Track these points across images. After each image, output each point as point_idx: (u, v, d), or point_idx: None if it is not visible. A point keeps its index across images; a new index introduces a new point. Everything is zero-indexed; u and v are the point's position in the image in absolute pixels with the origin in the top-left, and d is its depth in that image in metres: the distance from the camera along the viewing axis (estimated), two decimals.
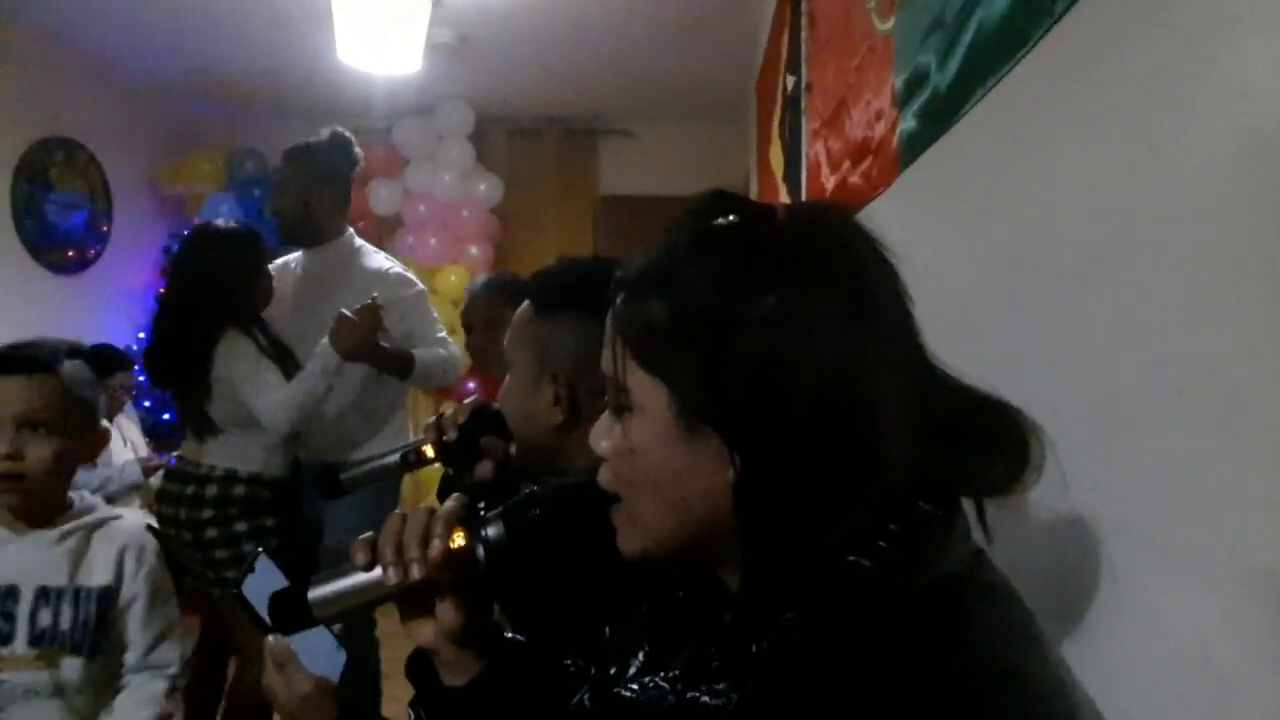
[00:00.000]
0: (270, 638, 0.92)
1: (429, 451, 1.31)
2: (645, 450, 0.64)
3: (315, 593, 0.80)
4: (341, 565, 0.80)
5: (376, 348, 2.45)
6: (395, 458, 1.34)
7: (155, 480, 3.98)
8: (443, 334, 2.74)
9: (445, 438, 1.31)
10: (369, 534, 0.79)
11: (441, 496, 1.31)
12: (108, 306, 4.88)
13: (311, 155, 2.66)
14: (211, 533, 2.50)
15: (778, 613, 0.58)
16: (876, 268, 0.62)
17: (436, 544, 0.76)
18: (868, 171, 1.72)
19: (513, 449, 1.25)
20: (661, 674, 0.71)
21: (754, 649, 0.58)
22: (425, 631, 0.79)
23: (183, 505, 2.54)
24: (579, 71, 4.74)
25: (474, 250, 5.26)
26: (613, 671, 0.76)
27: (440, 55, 4.29)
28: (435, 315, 2.78)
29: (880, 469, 0.57)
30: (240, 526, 2.53)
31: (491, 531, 0.78)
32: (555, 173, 5.58)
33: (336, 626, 0.90)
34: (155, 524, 3.83)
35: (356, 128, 4.76)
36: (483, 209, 5.31)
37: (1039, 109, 0.94)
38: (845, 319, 0.59)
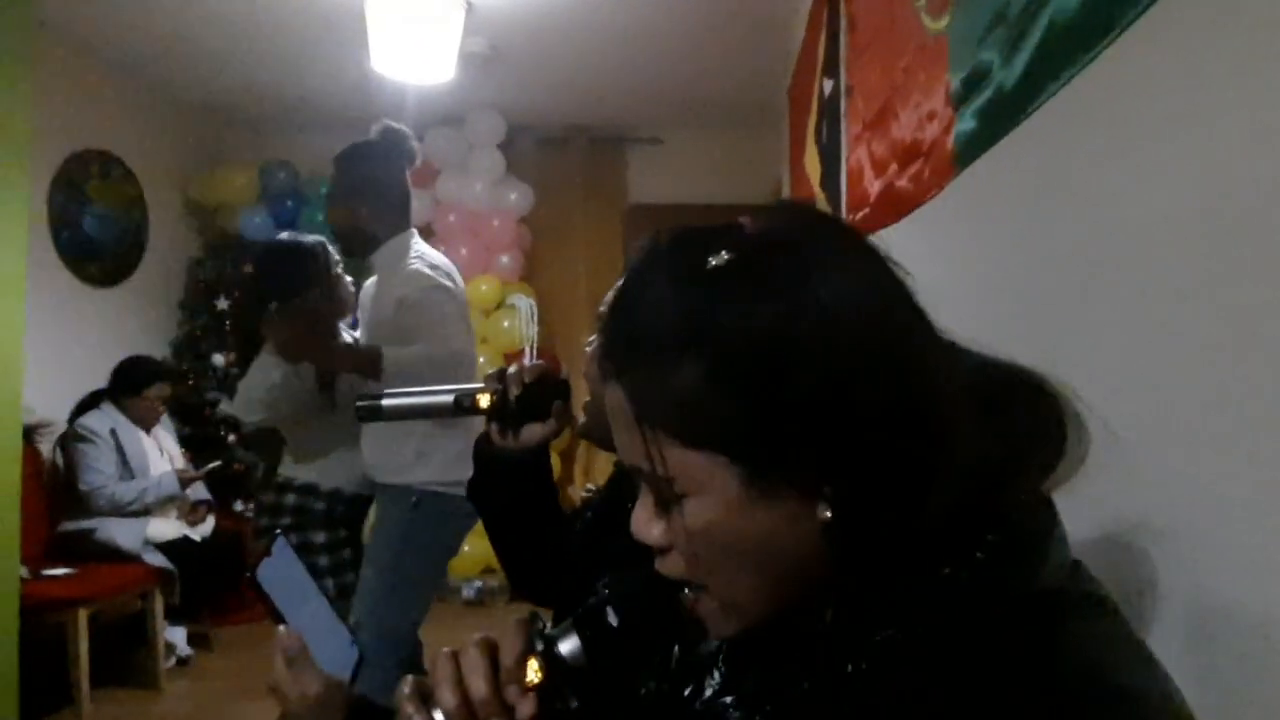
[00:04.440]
0: (281, 629, 0.88)
1: (483, 401, 1.22)
2: (716, 528, 0.58)
3: None
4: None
5: (320, 350, 2.40)
6: (449, 397, 1.25)
7: (191, 491, 3.99)
8: (446, 332, 2.38)
9: (509, 393, 1.21)
10: (414, 681, 0.70)
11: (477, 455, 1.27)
12: (143, 318, 4.91)
13: (356, 161, 2.51)
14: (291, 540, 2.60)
15: (875, 631, 0.55)
16: (876, 252, 0.59)
17: (524, 711, 0.68)
18: (918, 174, 1.67)
19: (581, 418, 1.25)
20: (735, 696, 0.67)
21: (850, 669, 0.56)
22: None
23: (264, 514, 2.70)
24: (609, 79, 4.73)
25: (504, 259, 5.26)
26: (687, 692, 0.73)
27: (472, 64, 4.28)
28: (445, 312, 2.42)
29: (946, 455, 0.54)
30: (319, 538, 2.59)
31: (565, 649, 0.71)
32: (584, 181, 5.56)
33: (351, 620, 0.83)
34: (192, 535, 3.87)
35: None
36: (513, 218, 5.30)
37: (1117, 107, 0.90)
38: (880, 310, 0.56)
